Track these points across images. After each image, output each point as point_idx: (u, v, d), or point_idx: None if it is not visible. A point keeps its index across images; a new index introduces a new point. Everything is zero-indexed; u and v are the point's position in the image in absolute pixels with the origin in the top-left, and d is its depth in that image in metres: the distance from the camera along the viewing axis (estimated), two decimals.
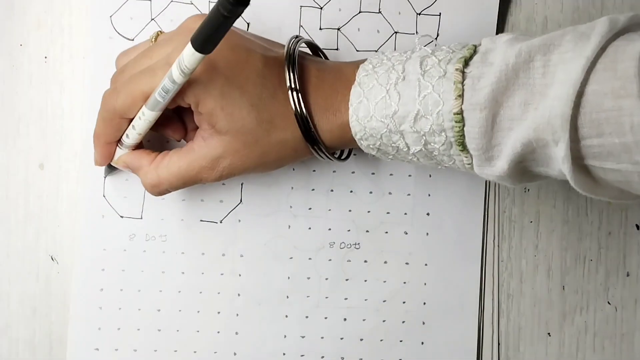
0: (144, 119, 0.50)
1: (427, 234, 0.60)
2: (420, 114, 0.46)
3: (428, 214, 0.60)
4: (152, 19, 0.59)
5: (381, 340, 0.60)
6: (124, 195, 0.59)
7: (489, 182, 0.60)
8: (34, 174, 0.60)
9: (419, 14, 0.60)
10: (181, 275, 0.59)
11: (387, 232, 0.60)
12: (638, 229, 0.60)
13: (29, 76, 0.59)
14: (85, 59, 0.59)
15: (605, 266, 0.60)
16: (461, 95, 0.45)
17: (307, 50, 0.56)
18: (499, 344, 0.60)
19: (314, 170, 0.60)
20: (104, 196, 0.59)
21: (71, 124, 0.59)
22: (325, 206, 0.60)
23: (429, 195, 0.60)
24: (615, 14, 0.43)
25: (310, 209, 0.60)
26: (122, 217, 0.59)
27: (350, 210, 0.60)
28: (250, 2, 0.39)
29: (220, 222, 0.60)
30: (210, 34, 0.41)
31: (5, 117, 0.59)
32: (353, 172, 0.60)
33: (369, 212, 0.60)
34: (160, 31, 0.53)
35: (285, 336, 0.60)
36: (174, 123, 0.55)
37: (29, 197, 0.60)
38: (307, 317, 0.60)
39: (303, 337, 0.60)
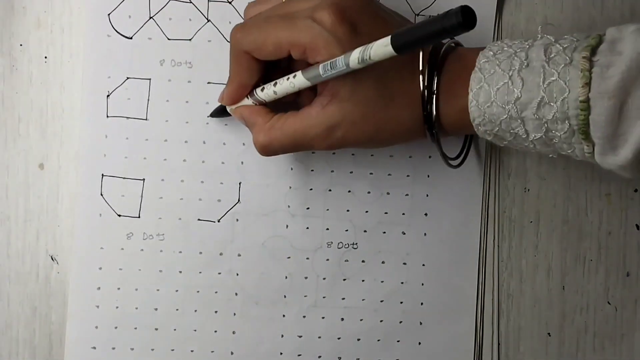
0: (292, 83, 0.50)
1: (425, 234, 0.60)
2: (545, 100, 0.46)
3: (426, 215, 0.60)
4: (151, 17, 0.59)
5: (378, 340, 0.60)
6: (122, 194, 0.59)
7: (488, 182, 0.60)
8: (34, 174, 0.60)
9: (417, 14, 0.60)
10: (178, 274, 0.59)
11: (385, 232, 0.60)
12: (638, 229, 0.60)
13: (29, 76, 0.60)
14: (83, 56, 0.59)
15: (605, 266, 0.60)
16: (588, 83, 0.44)
17: None
18: (499, 344, 0.60)
19: (312, 170, 0.60)
20: (101, 195, 0.59)
21: (71, 124, 0.60)
22: (323, 206, 0.60)
23: (427, 195, 0.60)
24: None
25: (308, 208, 0.60)
26: (119, 215, 0.59)
27: (348, 210, 0.60)
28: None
29: (218, 222, 0.60)
30: (417, 40, 0.41)
31: (5, 117, 0.60)
32: (351, 172, 0.60)
33: (367, 212, 0.60)
34: None
35: (282, 335, 0.60)
36: None
37: (29, 197, 0.60)
38: (304, 316, 0.60)
39: (300, 336, 0.60)
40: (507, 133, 0.49)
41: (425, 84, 0.50)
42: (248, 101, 0.54)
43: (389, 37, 0.42)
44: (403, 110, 0.51)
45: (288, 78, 0.50)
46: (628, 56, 0.43)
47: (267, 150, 0.53)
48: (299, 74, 0.49)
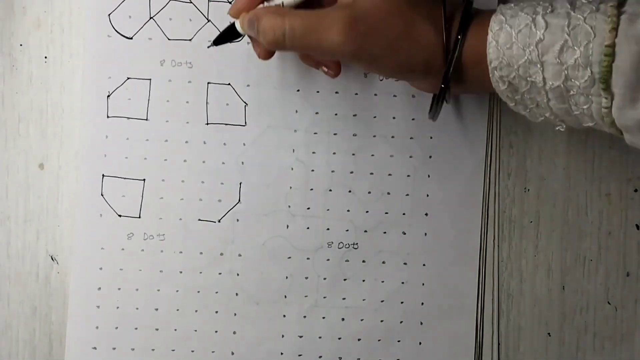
0: None
1: (425, 234, 0.60)
2: (568, 44, 0.45)
3: (426, 215, 0.60)
4: (151, 17, 0.59)
5: (379, 340, 0.60)
6: (122, 194, 0.59)
7: (488, 182, 0.60)
8: (34, 174, 0.60)
9: None
10: (179, 274, 0.59)
11: (385, 233, 0.60)
12: (638, 229, 0.60)
13: (29, 76, 0.60)
14: (83, 56, 0.59)
15: (605, 266, 0.60)
16: (615, 29, 0.43)
17: None
18: (499, 344, 0.60)
19: (313, 170, 0.60)
20: (102, 195, 0.59)
21: (71, 124, 0.60)
22: (323, 206, 0.60)
23: (427, 195, 0.60)
24: None
25: (308, 208, 0.60)
26: (120, 216, 0.59)
27: (348, 210, 0.60)
28: None
29: (219, 222, 0.60)
30: None
31: (5, 117, 0.60)
32: (352, 172, 0.60)
33: (367, 212, 0.60)
34: None
35: (283, 336, 0.60)
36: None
37: (29, 197, 0.60)
38: (305, 316, 0.60)
39: (301, 336, 0.60)
40: (523, 80, 0.47)
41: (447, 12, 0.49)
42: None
43: None
44: (427, 28, 0.48)
45: None
46: None
47: (276, 36, 0.48)
48: None
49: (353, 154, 0.60)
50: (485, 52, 0.48)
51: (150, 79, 0.59)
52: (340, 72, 0.54)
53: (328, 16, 0.47)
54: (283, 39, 0.48)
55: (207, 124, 0.59)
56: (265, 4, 0.51)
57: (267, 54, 0.53)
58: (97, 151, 0.59)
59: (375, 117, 0.59)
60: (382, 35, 0.48)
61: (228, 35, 0.53)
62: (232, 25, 0.52)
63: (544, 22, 0.46)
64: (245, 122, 0.59)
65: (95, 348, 0.59)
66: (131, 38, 0.59)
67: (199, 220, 0.60)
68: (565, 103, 0.47)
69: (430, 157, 0.60)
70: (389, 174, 0.60)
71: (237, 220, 0.60)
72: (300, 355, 0.60)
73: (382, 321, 0.60)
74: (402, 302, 0.60)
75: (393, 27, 0.48)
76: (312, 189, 0.60)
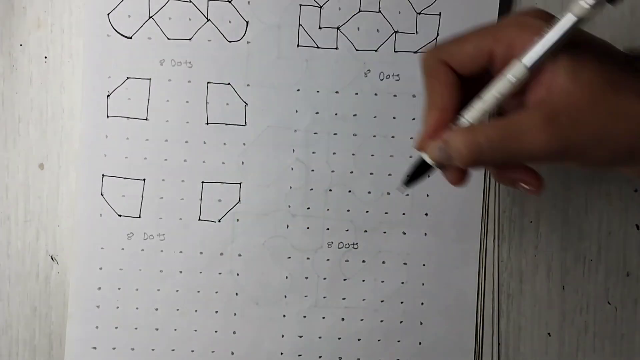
0: (509, 78, 0.43)
1: (425, 234, 0.60)
2: None
3: (426, 214, 0.60)
4: (150, 17, 0.59)
5: (379, 340, 0.60)
6: (122, 194, 0.59)
7: (488, 182, 0.60)
8: (34, 174, 0.60)
9: (419, 13, 0.60)
10: (179, 274, 0.59)
11: (385, 232, 0.60)
12: (638, 229, 0.60)
13: (29, 76, 0.60)
14: (83, 56, 0.59)
15: (605, 266, 0.60)
16: None
17: None
18: (499, 344, 0.60)
19: (313, 170, 0.60)
20: (102, 195, 0.59)
21: (71, 124, 0.60)
22: (323, 206, 0.60)
23: (427, 195, 0.60)
24: None
25: (308, 208, 0.60)
26: (120, 215, 0.59)
27: (348, 210, 0.60)
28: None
29: (219, 222, 0.59)
30: None
31: (5, 117, 0.60)
32: (352, 172, 0.60)
33: (367, 212, 0.60)
34: None
35: (283, 336, 0.60)
36: (526, 171, 0.46)
37: (29, 197, 0.60)
38: (304, 316, 0.60)
39: (301, 336, 0.60)
40: None
41: None
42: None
43: None
44: (635, 99, 0.41)
45: (499, 78, 0.43)
46: None
47: (472, 152, 0.42)
48: (513, 62, 0.42)
49: (353, 154, 0.60)
50: None
51: (150, 79, 0.59)
52: (542, 185, 0.46)
53: (524, 118, 0.42)
54: (480, 153, 0.42)
55: (207, 123, 0.59)
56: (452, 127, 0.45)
57: (462, 179, 0.47)
58: (97, 151, 0.59)
59: (375, 117, 0.59)
60: (587, 125, 0.41)
61: (418, 172, 0.47)
62: (422, 160, 0.46)
63: None
64: (245, 122, 0.59)
65: (95, 348, 0.59)
66: (130, 38, 0.59)
67: (199, 220, 0.59)
68: None
69: None
70: (389, 174, 0.60)
71: (237, 220, 0.59)
72: (300, 355, 0.60)
73: (382, 321, 0.60)
74: (402, 302, 0.60)
75: (597, 114, 0.41)
76: (312, 189, 0.60)
